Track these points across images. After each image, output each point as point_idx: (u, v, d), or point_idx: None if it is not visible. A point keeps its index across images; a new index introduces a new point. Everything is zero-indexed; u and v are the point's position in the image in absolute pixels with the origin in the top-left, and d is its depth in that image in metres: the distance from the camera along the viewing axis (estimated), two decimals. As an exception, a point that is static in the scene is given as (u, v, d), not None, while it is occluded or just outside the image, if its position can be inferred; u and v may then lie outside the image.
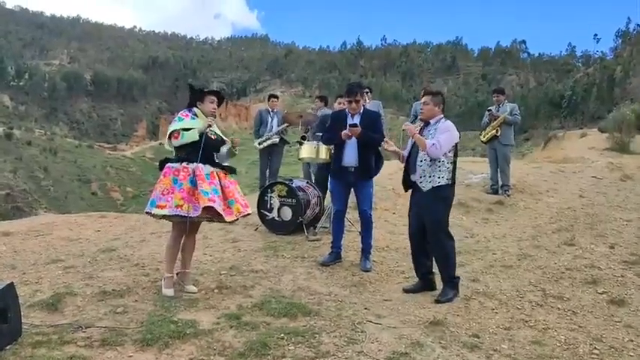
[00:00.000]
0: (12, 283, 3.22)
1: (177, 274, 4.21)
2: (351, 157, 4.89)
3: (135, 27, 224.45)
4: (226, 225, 5.92)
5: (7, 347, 2.99)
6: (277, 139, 8.04)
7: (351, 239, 5.61)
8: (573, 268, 4.94)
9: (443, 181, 4.21)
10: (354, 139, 4.82)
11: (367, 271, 4.87)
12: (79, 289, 4.05)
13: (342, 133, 4.80)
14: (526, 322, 3.76)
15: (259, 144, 8.15)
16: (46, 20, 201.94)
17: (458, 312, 3.90)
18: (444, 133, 4.20)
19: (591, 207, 7.63)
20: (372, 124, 4.93)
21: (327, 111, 7.72)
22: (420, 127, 4.40)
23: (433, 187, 4.19)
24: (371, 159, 4.94)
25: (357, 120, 4.92)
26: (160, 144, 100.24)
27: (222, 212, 3.90)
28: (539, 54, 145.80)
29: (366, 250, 5.04)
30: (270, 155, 8.33)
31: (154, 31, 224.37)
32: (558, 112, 77.19)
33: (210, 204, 3.82)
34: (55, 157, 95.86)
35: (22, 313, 3.28)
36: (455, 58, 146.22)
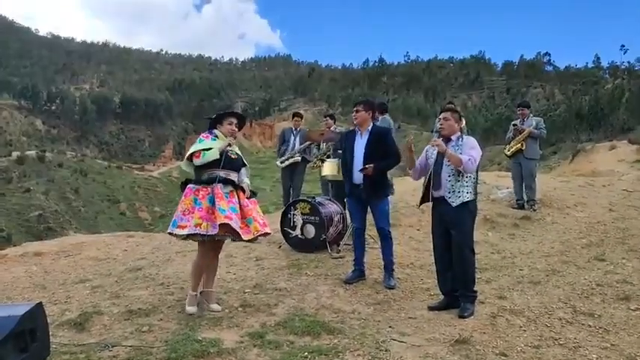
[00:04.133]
0: (40, 302, 3.28)
1: (200, 293, 4.24)
2: (358, 174, 4.89)
3: (161, 50, 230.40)
4: (250, 243, 5.98)
5: (36, 366, 3.04)
6: (299, 158, 8.06)
7: (375, 256, 5.56)
8: (604, 284, 4.81)
9: (470, 196, 4.24)
10: (360, 158, 4.85)
11: (391, 289, 4.82)
12: (105, 309, 4.12)
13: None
14: (556, 340, 3.65)
15: (281, 162, 8.19)
16: (77, 46, 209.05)
17: (484, 330, 3.81)
18: (474, 149, 4.23)
19: (622, 221, 7.43)
20: (381, 141, 4.92)
21: (341, 128, 7.78)
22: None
23: (462, 203, 4.19)
24: (376, 178, 4.84)
25: (365, 138, 4.94)
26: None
27: (239, 230, 3.94)
28: (565, 66, 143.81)
29: (387, 267, 4.98)
30: (292, 173, 8.35)
31: (179, 54, 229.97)
32: (586, 125, 75.72)
33: (227, 221, 3.86)
34: (86, 178, 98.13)
35: (50, 333, 3.33)
36: (479, 72, 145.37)
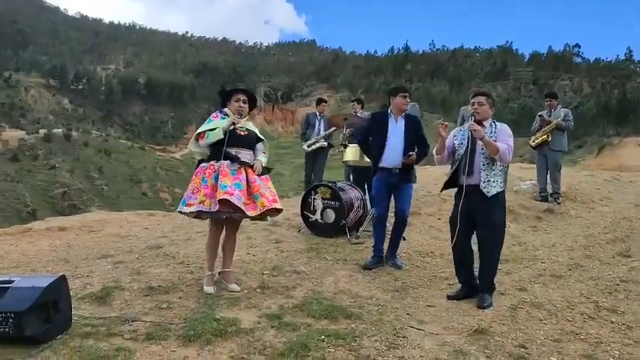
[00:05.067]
0: (64, 275, 3.35)
1: (219, 273, 4.27)
2: (395, 159, 4.89)
3: (187, 33, 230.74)
4: (270, 226, 6.04)
5: (58, 337, 3.10)
6: (325, 144, 8.08)
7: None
8: (629, 280, 4.70)
9: (502, 187, 4.15)
10: (399, 143, 4.88)
11: (399, 268, 4.92)
12: (126, 284, 4.17)
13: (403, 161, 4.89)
14: (577, 334, 3.59)
15: (308, 146, 8.18)
16: (105, 27, 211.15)
17: (504, 321, 3.77)
18: (510, 138, 4.14)
19: (649, 218, 7.26)
20: (416, 129, 5.03)
21: (367, 113, 7.72)
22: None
23: (495, 193, 4.10)
24: (410, 165, 5.00)
25: (401, 124, 4.99)
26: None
27: (241, 206, 3.88)
28: (595, 59, 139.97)
29: (394, 247, 5.08)
30: (315, 158, 8.37)
31: (205, 37, 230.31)
32: (614, 119, 74.04)
33: (226, 196, 3.81)
34: (110, 157, 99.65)
35: (72, 305, 3.40)
36: (505, 63, 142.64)
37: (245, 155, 4.15)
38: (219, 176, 3.92)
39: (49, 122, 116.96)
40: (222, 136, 4.04)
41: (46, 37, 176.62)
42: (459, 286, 4.38)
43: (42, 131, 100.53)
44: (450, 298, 4.26)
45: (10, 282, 3.10)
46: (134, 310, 3.66)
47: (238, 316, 3.59)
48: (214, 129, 4.08)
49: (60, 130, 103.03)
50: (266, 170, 4.23)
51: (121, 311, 3.66)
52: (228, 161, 4.01)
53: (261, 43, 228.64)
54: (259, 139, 4.34)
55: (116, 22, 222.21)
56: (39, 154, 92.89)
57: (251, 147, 4.23)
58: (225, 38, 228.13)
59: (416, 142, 4.99)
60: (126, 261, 4.95)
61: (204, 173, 4.03)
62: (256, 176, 4.10)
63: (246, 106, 4.28)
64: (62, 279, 3.28)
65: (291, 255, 5.19)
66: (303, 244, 5.57)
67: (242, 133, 4.16)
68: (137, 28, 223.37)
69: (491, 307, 4.03)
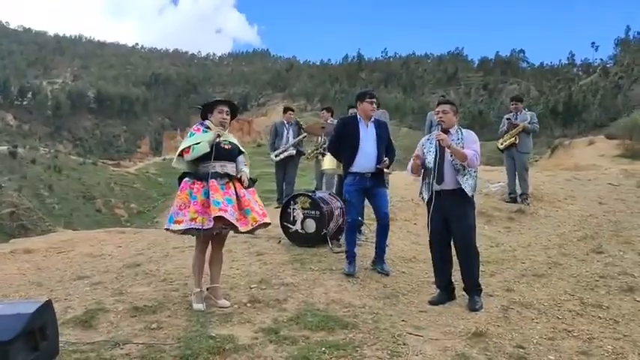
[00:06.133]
0: (50, 300, 3.15)
1: (207, 289, 4.15)
2: (368, 164, 4.93)
3: (137, 44, 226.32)
4: (249, 238, 5.91)
5: (47, 366, 2.92)
6: (294, 151, 8.03)
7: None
8: (607, 275, 4.87)
9: (473, 191, 4.21)
10: (372, 149, 4.93)
11: (387, 274, 4.94)
12: (110, 306, 3.99)
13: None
14: (569, 332, 3.68)
15: (276, 156, 8.11)
16: (50, 40, 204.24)
17: (498, 322, 3.82)
18: (476, 143, 4.21)
19: (613, 214, 7.56)
20: (385, 134, 5.09)
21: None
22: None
23: (468, 196, 4.16)
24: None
25: (371, 128, 5.03)
26: (164, 159, 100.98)
27: (235, 222, 3.83)
28: (540, 63, 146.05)
29: (383, 254, 5.10)
30: (286, 166, 8.31)
31: (156, 48, 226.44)
32: (561, 121, 77.28)
33: (222, 214, 3.75)
34: (60, 174, 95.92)
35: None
36: (456, 68, 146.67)
37: (231, 169, 4.07)
38: (210, 192, 3.83)
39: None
40: (209, 150, 3.95)
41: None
42: (438, 291, 4.41)
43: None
44: (432, 303, 4.28)
45: (-7, 310, 2.89)
46: (123, 333, 3.50)
47: (233, 332, 3.49)
48: (199, 143, 3.98)
49: (5, 148, 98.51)
50: (252, 182, 4.16)
51: (109, 334, 3.49)
52: (217, 178, 3.92)
53: (214, 54, 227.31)
54: (240, 152, 4.26)
55: (61, 35, 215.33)
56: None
57: (234, 160, 4.16)
58: (176, 49, 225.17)
59: (385, 145, 5.06)
60: (105, 281, 4.73)
61: (192, 188, 3.92)
62: (244, 190, 4.03)
63: (229, 117, 4.21)
64: (48, 304, 3.08)
65: (276, 267, 5.09)
66: (285, 256, 5.48)
67: (226, 147, 4.07)
68: (84, 40, 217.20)
69: (483, 309, 4.08)
